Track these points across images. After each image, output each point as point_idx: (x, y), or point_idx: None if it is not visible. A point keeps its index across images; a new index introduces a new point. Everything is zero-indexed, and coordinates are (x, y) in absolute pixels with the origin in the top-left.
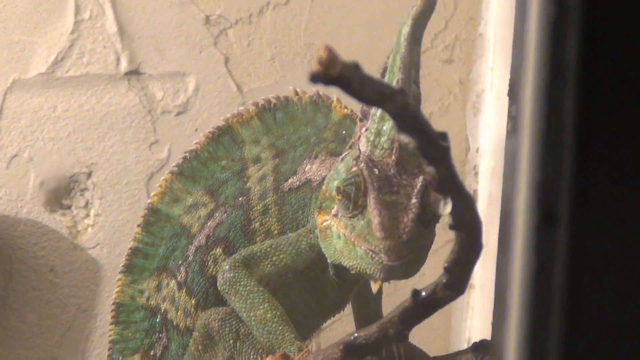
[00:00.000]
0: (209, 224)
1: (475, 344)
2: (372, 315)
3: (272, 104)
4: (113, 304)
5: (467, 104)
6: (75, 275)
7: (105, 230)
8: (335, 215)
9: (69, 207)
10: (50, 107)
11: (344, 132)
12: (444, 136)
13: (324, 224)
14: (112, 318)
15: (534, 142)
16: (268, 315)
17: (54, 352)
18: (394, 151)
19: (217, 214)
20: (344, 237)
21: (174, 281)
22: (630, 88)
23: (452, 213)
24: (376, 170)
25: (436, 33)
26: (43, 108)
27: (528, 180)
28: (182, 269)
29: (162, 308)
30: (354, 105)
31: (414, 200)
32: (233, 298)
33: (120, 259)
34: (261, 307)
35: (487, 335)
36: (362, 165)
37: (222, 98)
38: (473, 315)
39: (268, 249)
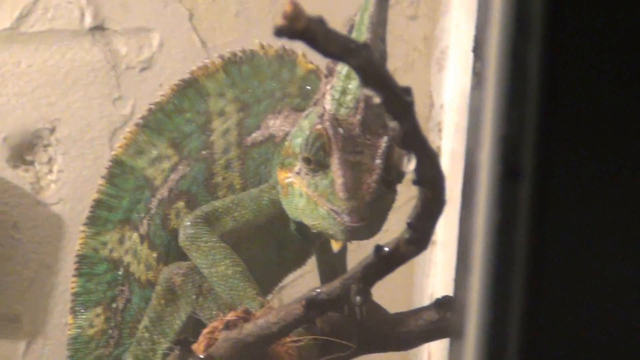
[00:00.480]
0: (172, 176)
1: (437, 300)
2: (336, 271)
3: (237, 57)
4: (76, 255)
5: (431, 60)
6: (38, 231)
7: (68, 186)
8: (298, 173)
9: (32, 162)
10: (14, 62)
11: (308, 87)
12: (407, 91)
13: (286, 180)
14: (75, 270)
15: (497, 96)
16: (229, 272)
17: (16, 308)
18: (358, 110)
19: (180, 167)
20: (306, 196)
21: (136, 234)
22: (596, 43)
23: (415, 169)
24: (341, 130)
25: None
26: (7, 63)
27: (492, 135)
28: (145, 222)
29: (125, 261)
30: (320, 61)
31: (377, 161)
32: (194, 254)
33: (84, 215)
34: (222, 263)
35: (450, 292)
36: (326, 124)
37: (186, 54)
38: (435, 272)
39: (230, 205)
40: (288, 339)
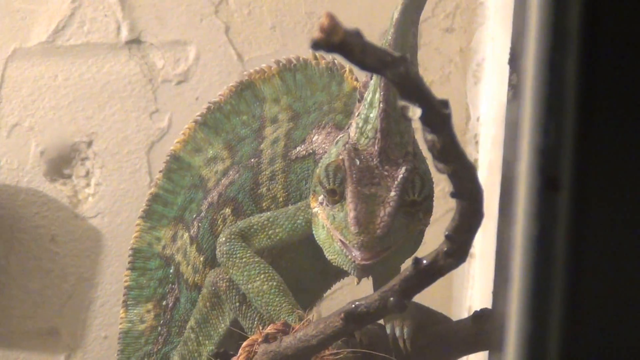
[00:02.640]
0: (223, 181)
1: (475, 312)
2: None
3: (292, 64)
4: (131, 249)
5: (467, 72)
6: (76, 244)
7: (106, 199)
8: (322, 204)
9: (69, 176)
10: (51, 76)
11: (352, 104)
12: (445, 104)
13: (314, 210)
14: (128, 263)
15: (535, 108)
16: (265, 287)
17: (55, 321)
18: (377, 140)
19: (231, 172)
20: (326, 228)
21: (187, 234)
22: (633, 53)
23: (453, 181)
24: (357, 161)
25: (437, 1)
26: (44, 77)
27: (529, 147)
28: (195, 223)
29: (176, 259)
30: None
31: (392, 193)
32: (231, 270)
33: (121, 229)
34: (257, 279)
35: (488, 304)
36: (344, 154)
37: (222, 67)
38: (474, 285)
39: (265, 222)
40: (327, 352)
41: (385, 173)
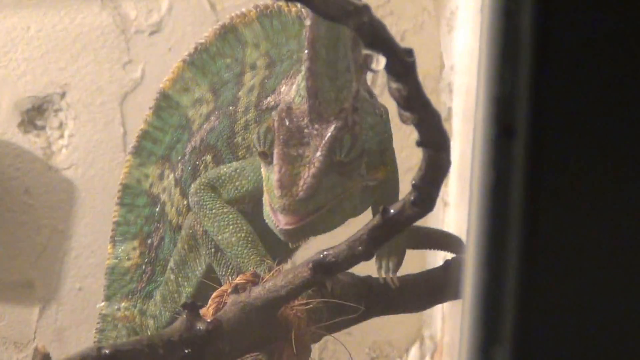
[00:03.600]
0: (205, 126)
1: (447, 261)
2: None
3: (269, 10)
4: (120, 184)
5: (441, 21)
6: (50, 196)
7: (80, 150)
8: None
9: (43, 127)
10: (24, 27)
11: None
12: (409, 52)
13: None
14: (117, 199)
15: (491, 56)
16: (233, 239)
17: (29, 274)
18: (305, 99)
19: (212, 117)
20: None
21: (172, 175)
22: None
23: (419, 130)
24: (287, 121)
25: None
26: (16, 28)
27: (485, 94)
28: (180, 165)
29: (162, 199)
30: None
31: (318, 154)
32: (202, 221)
33: (95, 180)
34: (227, 230)
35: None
36: (275, 115)
37: (195, 17)
38: None
39: (232, 173)
40: (297, 302)
41: (315, 132)
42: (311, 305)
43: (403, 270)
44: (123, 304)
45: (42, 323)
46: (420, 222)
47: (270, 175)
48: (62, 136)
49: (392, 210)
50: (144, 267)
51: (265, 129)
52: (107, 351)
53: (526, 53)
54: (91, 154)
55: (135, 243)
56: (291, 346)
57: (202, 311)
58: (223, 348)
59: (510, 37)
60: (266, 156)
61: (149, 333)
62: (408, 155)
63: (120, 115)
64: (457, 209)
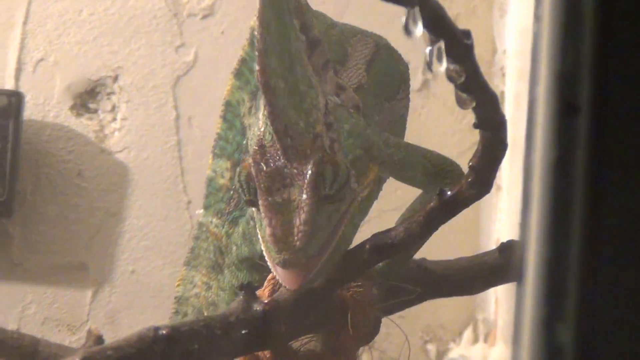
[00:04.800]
0: None
1: (502, 244)
2: None
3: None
4: (224, 100)
5: (493, 5)
6: (103, 179)
7: (132, 133)
8: None
9: (95, 110)
10: (76, 10)
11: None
12: (467, 34)
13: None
14: (221, 113)
15: (553, 31)
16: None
17: (83, 256)
18: (278, 136)
19: None
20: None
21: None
22: None
23: (476, 112)
24: (264, 166)
25: None
26: (69, 12)
27: (548, 71)
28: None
29: (248, 135)
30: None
31: (304, 197)
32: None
33: (148, 162)
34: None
35: (515, 236)
36: (250, 160)
37: (248, 1)
38: (501, 217)
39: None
40: (353, 284)
41: (295, 171)
42: (367, 287)
43: (457, 253)
44: (214, 219)
45: (95, 305)
46: (474, 205)
47: (262, 223)
48: (114, 119)
49: (448, 192)
50: (231, 192)
51: (245, 176)
52: (164, 332)
53: (589, 26)
54: (144, 137)
55: (228, 164)
56: (347, 328)
57: (259, 292)
58: (279, 329)
59: (573, 10)
60: (254, 203)
61: (232, 259)
62: (461, 138)
63: (173, 98)
64: (509, 193)
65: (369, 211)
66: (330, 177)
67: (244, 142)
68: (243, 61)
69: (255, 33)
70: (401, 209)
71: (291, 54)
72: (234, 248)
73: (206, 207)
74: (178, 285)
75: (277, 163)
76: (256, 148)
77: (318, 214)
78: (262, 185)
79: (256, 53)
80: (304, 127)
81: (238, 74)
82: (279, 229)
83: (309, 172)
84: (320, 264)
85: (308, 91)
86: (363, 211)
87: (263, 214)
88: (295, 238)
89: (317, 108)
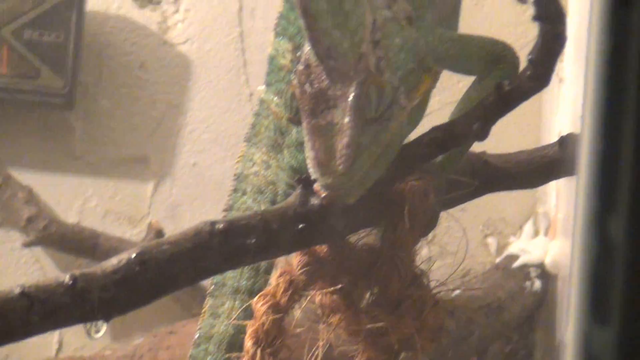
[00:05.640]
0: None
1: (562, 137)
2: None
3: None
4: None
5: None
6: (165, 71)
7: (195, 25)
8: None
9: (158, 2)
10: None
11: None
12: None
13: None
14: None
15: None
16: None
17: (145, 149)
18: (320, 57)
19: None
20: None
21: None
22: None
23: (535, 3)
24: (308, 86)
25: None
26: None
27: None
28: None
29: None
30: None
31: (346, 120)
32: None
33: (210, 55)
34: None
35: (578, 129)
36: (294, 80)
37: None
38: (563, 109)
39: None
40: (411, 177)
41: (339, 93)
42: (425, 181)
43: (519, 146)
44: (275, 98)
45: (156, 198)
46: (536, 97)
47: (307, 145)
48: (177, 11)
49: (507, 86)
50: (292, 75)
51: (291, 95)
52: (220, 226)
53: None
54: (207, 29)
55: (290, 46)
56: (405, 221)
57: (316, 186)
58: (337, 224)
59: None
60: (299, 122)
61: (291, 140)
62: (524, 30)
63: None
64: (572, 85)
65: (421, 119)
66: (376, 98)
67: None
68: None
69: None
70: None
71: None
72: (295, 130)
73: (268, 84)
74: (238, 162)
75: (321, 84)
76: (301, 68)
77: (363, 135)
78: (305, 107)
79: None
80: (349, 47)
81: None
82: (322, 152)
83: (352, 93)
84: (365, 180)
85: (354, 9)
86: (413, 122)
87: (306, 137)
88: (338, 162)
89: (364, 25)
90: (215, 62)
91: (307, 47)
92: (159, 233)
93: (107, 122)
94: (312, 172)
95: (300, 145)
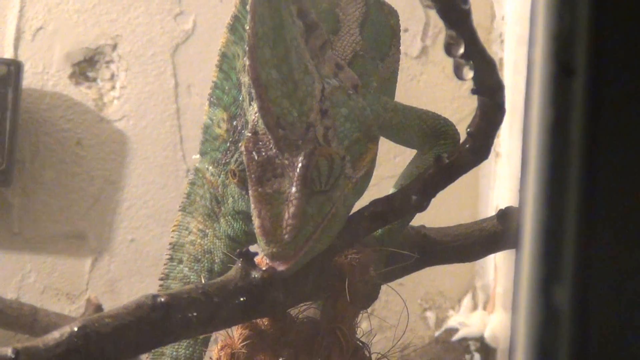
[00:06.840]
0: None
1: (500, 211)
2: None
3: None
4: (220, 51)
5: None
6: (102, 147)
7: (131, 102)
8: None
9: (94, 79)
10: None
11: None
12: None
13: None
14: (217, 63)
15: None
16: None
17: (81, 225)
18: (270, 126)
19: None
20: None
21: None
22: None
23: (474, 77)
24: (255, 155)
25: None
26: None
27: (543, 32)
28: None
29: (242, 93)
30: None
31: (293, 190)
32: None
33: (147, 131)
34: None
35: (514, 203)
36: (243, 147)
37: None
38: (500, 184)
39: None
40: (351, 251)
41: (286, 162)
42: (364, 254)
43: (456, 219)
44: (211, 167)
45: (95, 274)
46: (473, 171)
47: (253, 213)
48: (113, 88)
49: (447, 159)
50: (227, 144)
51: (240, 162)
52: (162, 299)
53: None
54: (143, 106)
55: (225, 115)
56: (345, 295)
57: (257, 260)
58: (278, 297)
59: None
60: (245, 189)
61: (228, 209)
62: (460, 105)
63: (172, 66)
64: (509, 159)
65: (365, 189)
66: (324, 171)
67: (240, 98)
68: (236, 18)
69: (247, 27)
70: None
71: (286, 42)
72: (230, 200)
73: (202, 154)
74: (173, 230)
75: (269, 152)
76: (249, 135)
77: (309, 205)
78: (252, 174)
79: (246, 47)
80: (297, 117)
81: (232, 29)
82: (268, 220)
83: (300, 164)
84: (311, 250)
85: (303, 78)
86: (359, 191)
87: (252, 205)
88: (284, 231)
89: (312, 95)
90: (152, 139)
91: (252, 115)
92: (98, 308)
93: (45, 199)
94: (259, 240)
95: (237, 214)
